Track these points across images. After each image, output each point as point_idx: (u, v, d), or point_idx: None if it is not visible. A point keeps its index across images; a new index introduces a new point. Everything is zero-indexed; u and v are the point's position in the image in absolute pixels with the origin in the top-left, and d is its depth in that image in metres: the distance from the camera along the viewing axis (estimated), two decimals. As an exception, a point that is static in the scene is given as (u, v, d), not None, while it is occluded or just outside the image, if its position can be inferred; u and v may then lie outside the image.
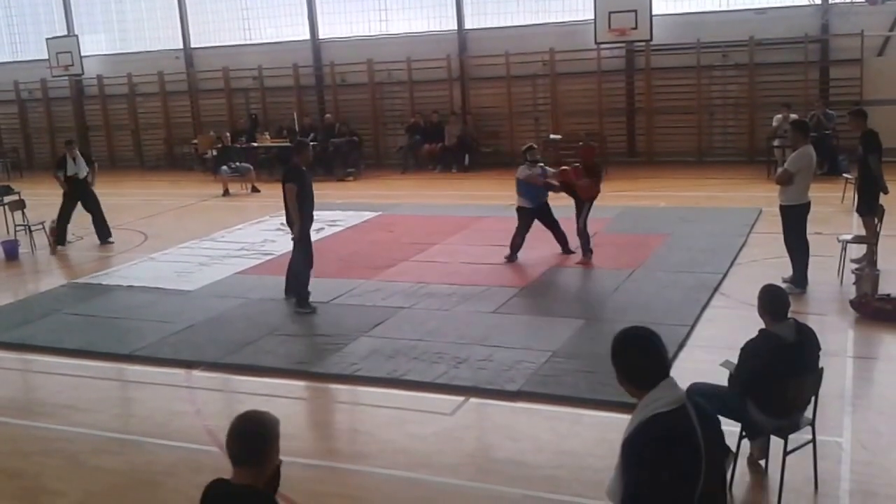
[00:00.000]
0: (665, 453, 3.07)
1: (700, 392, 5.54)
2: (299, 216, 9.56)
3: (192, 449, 6.51)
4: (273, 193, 14.78)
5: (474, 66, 22.18)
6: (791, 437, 5.31)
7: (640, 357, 3.30)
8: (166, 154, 25.94)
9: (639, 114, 21.08)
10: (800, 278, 9.55)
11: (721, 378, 5.64)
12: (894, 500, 5.41)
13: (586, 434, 6.44)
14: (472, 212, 15.34)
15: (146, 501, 5.97)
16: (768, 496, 5.50)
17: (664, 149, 20.77)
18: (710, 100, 20.40)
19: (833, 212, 13.20)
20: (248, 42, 24.37)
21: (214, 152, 21.29)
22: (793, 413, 5.38)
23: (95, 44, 26.06)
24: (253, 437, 3.26)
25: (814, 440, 5.42)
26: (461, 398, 7.24)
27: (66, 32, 25.98)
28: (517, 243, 11.64)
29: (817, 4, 19.18)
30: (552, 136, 19.52)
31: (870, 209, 10.20)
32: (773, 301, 5.39)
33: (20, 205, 14.82)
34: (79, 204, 14.52)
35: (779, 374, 5.16)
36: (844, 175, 14.85)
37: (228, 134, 21.58)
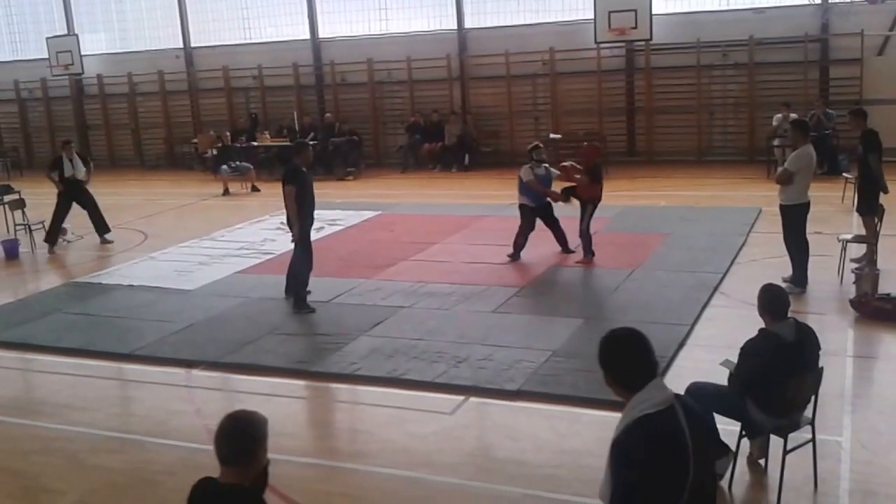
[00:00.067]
0: (653, 454, 3.07)
1: (700, 391, 5.57)
2: (298, 217, 9.56)
3: (191, 448, 6.51)
4: (273, 193, 14.78)
5: (474, 66, 22.18)
6: (791, 436, 5.32)
7: (628, 359, 3.30)
8: (166, 153, 25.94)
9: (639, 113, 21.08)
10: (800, 278, 9.56)
11: (721, 377, 5.65)
12: (894, 500, 5.41)
13: (586, 433, 6.45)
14: (471, 211, 15.34)
15: (146, 500, 5.97)
16: (768, 495, 5.50)
17: (664, 148, 20.77)
18: (710, 99, 20.40)
19: (833, 211, 13.20)
20: (248, 41, 24.37)
21: (214, 151, 21.28)
22: (792, 412, 5.38)
23: (95, 43, 26.06)
24: (241, 437, 3.27)
25: (813, 439, 5.43)
26: (461, 397, 7.24)
27: (66, 31, 25.98)
28: (520, 242, 11.65)
29: (817, 4, 19.18)
30: (552, 136, 19.52)
31: (870, 209, 10.20)
32: (772, 300, 5.39)
33: (20, 204, 14.82)
34: (74, 204, 14.46)
35: (779, 374, 5.17)
36: (844, 174, 14.85)
37: (228, 133, 21.57)
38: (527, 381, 7.39)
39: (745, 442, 5.61)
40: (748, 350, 5.41)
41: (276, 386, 7.80)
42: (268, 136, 22.43)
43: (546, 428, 6.65)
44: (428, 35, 22.30)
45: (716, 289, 9.85)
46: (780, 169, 10.77)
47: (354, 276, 11.11)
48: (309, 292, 9.99)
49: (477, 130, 22.01)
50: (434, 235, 13.38)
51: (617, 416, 3.39)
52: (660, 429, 3.12)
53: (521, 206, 11.65)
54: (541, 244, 11.82)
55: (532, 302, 9.95)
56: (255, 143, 22.22)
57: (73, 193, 14.35)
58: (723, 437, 5.53)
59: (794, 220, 9.50)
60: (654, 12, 19.46)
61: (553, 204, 11.66)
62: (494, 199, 16.02)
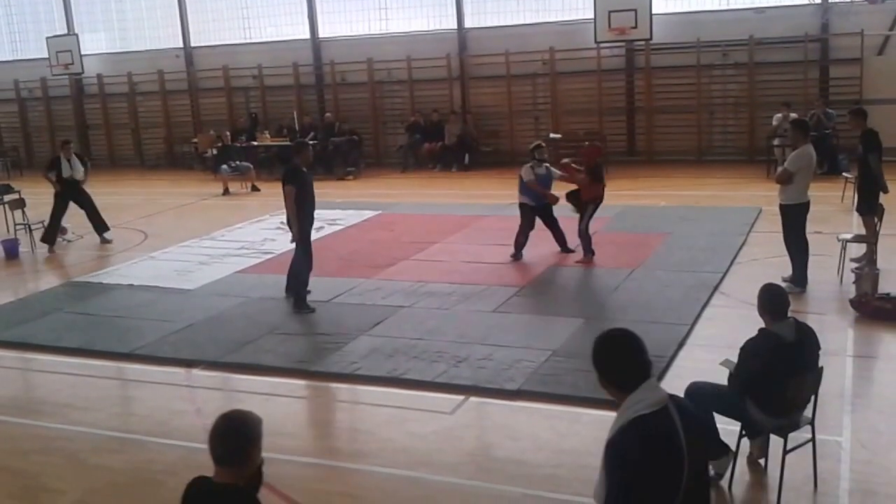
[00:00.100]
0: (647, 455, 3.07)
1: (700, 391, 5.57)
2: (297, 218, 9.55)
3: (192, 448, 6.50)
4: (273, 192, 14.78)
5: (474, 65, 22.18)
6: (791, 435, 5.32)
7: (622, 359, 3.29)
8: (166, 153, 25.94)
9: (639, 113, 21.08)
10: (799, 277, 9.56)
11: (721, 377, 5.65)
12: (894, 499, 5.42)
13: (586, 433, 6.45)
14: (471, 211, 15.34)
15: (146, 500, 5.98)
16: (768, 495, 5.51)
17: (664, 148, 20.78)
18: (709, 99, 20.40)
19: (833, 211, 13.20)
20: (248, 41, 24.37)
21: (214, 151, 21.28)
22: (792, 412, 5.38)
23: (95, 42, 26.06)
24: (235, 437, 3.27)
25: (813, 439, 5.43)
26: (461, 397, 7.25)
27: (66, 31, 25.98)
28: (521, 241, 11.66)
29: (817, 3, 19.18)
30: (552, 136, 19.48)
31: (870, 208, 10.20)
32: (772, 300, 5.39)
33: (20, 203, 14.81)
34: (71, 204, 14.43)
35: (778, 374, 5.17)
36: (844, 174, 14.85)
37: (228, 133, 21.57)
38: (527, 380, 7.40)
39: (745, 442, 5.62)
40: (748, 350, 5.41)
41: (276, 385, 7.81)
42: (268, 135, 22.43)
43: (546, 427, 6.65)
44: (428, 35, 22.30)
45: (716, 288, 9.86)
46: (780, 169, 10.77)
47: (354, 276, 11.11)
48: (309, 292, 9.99)
49: (477, 130, 22.01)
50: (434, 235, 13.39)
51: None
52: (654, 429, 3.12)
53: (522, 206, 11.66)
54: (541, 244, 11.82)
55: (532, 301, 9.96)
56: (255, 143, 22.22)
57: (70, 193, 14.32)
58: (723, 437, 5.55)
59: (794, 220, 9.50)
60: (654, 12, 19.46)
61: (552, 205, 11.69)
62: (494, 198, 16.02)
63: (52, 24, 26.57)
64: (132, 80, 25.61)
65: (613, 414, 3.33)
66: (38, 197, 15.53)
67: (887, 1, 18.57)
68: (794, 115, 14.07)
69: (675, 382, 6.77)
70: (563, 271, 11.15)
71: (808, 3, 19.23)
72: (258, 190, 19.34)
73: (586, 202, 11.31)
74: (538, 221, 11.68)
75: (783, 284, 8.05)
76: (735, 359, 5.51)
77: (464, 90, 22.33)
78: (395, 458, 6.28)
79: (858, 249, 10.49)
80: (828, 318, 8.69)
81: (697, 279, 10.19)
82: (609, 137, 20.44)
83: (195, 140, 24.12)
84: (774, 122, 17.75)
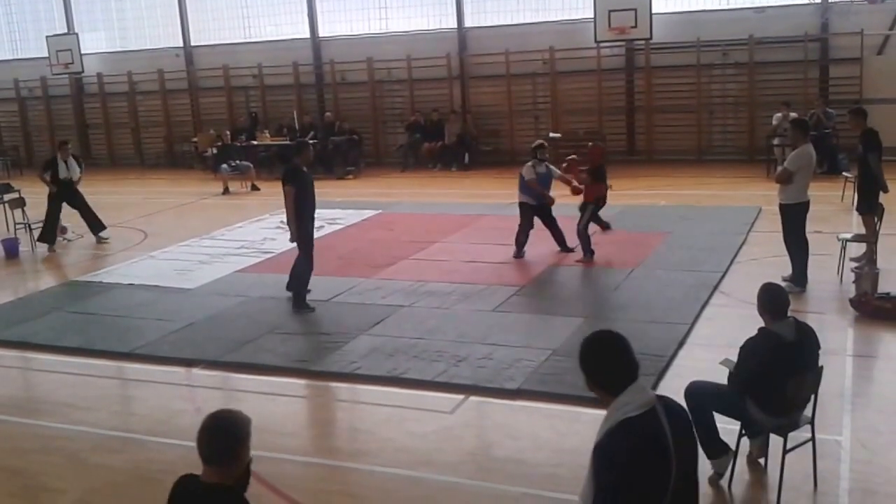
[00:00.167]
0: (634, 459, 3.07)
1: (700, 390, 5.58)
2: (296, 219, 9.54)
3: (192, 447, 6.35)
4: (273, 192, 14.79)
5: (474, 65, 22.18)
6: (790, 435, 5.32)
7: (609, 362, 3.28)
8: (166, 152, 25.94)
9: (638, 112, 21.08)
10: (799, 277, 9.56)
11: (721, 376, 5.65)
12: (893, 499, 5.42)
13: (586, 432, 6.44)
14: (471, 210, 15.34)
15: (146, 499, 5.97)
16: (768, 494, 5.51)
17: (664, 147, 20.78)
18: (709, 98, 20.41)
19: (833, 210, 13.21)
20: (248, 40, 24.38)
21: (214, 150, 21.27)
22: (792, 411, 5.38)
23: (95, 42, 26.06)
24: (224, 437, 3.26)
25: (813, 439, 5.43)
26: (461, 396, 7.25)
27: (66, 30, 25.99)
28: (521, 240, 11.67)
29: (817, 3, 19.19)
30: (552, 135, 19.51)
31: (869, 208, 10.20)
32: (772, 300, 5.39)
33: (20, 203, 14.80)
34: (64, 203, 14.41)
35: (778, 373, 5.17)
36: (844, 174, 14.86)
37: (228, 132, 21.57)
38: (527, 380, 7.40)
39: (745, 441, 5.62)
40: (748, 349, 5.41)
41: (276, 385, 7.81)
42: (268, 134, 22.43)
43: (546, 427, 6.65)
44: (428, 34, 22.31)
45: (716, 288, 9.86)
46: (779, 168, 10.77)
47: (354, 275, 11.11)
48: (309, 290, 9.99)
49: (477, 129, 22.02)
50: (434, 234, 13.39)
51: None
52: (642, 432, 3.11)
53: (521, 205, 11.67)
54: (540, 243, 11.82)
55: (532, 301, 9.96)
56: (255, 142, 22.22)
57: (64, 194, 14.29)
58: (722, 436, 5.55)
59: (794, 220, 9.50)
60: (653, 11, 19.48)
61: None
62: (494, 198, 16.02)
63: (52, 23, 26.57)
64: (132, 80, 25.61)
65: (613, 414, 3.32)
66: (38, 196, 15.50)
67: (887, 1, 18.57)
68: (793, 115, 14.07)
69: (675, 382, 6.78)
70: (563, 271, 11.15)
71: (807, 2, 19.24)
72: (258, 189, 19.34)
73: (587, 202, 11.33)
74: (537, 221, 11.68)
75: (783, 284, 8.07)
76: (735, 358, 5.51)
77: (464, 89, 22.33)
78: (394, 457, 6.28)
79: (858, 249, 10.49)
80: (828, 317, 8.70)
81: (697, 278, 10.20)
82: (609, 137, 20.45)
83: (195, 139, 24.12)
84: (774, 122, 17.76)
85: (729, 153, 20.18)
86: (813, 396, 5.48)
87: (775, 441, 5.47)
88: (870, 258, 10.05)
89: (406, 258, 12.00)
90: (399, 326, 9.03)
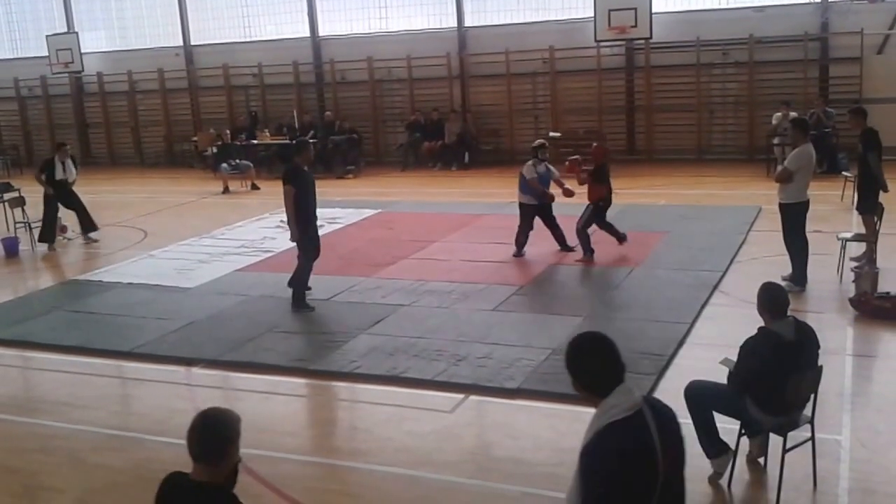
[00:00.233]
0: (621, 463, 3.06)
1: (699, 390, 5.58)
2: (296, 219, 9.52)
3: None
4: (273, 191, 14.79)
5: (474, 64, 22.17)
6: (790, 434, 5.32)
7: (596, 364, 3.27)
8: (166, 151, 25.94)
9: (638, 112, 21.08)
10: (799, 276, 9.56)
11: (721, 376, 5.65)
12: (893, 498, 5.42)
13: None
14: (471, 209, 15.34)
15: (146, 499, 5.91)
16: (767, 494, 5.51)
17: (664, 146, 20.78)
18: (709, 98, 20.40)
19: (833, 210, 13.21)
20: (248, 39, 24.37)
21: (214, 150, 21.25)
22: (792, 411, 5.38)
23: (95, 41, 26.05)
24: (213, 436, 3.28)
25: (813, 438, 5.43)
26: (461, 396, 7.25)
27: (66, 29, 25.98)
28: (521, 241, 11.66)
29: (817, 2, 19.18)
30: (552, 134, 19.51)
31: (869, 207, 10.20)
32: (772, 299, 5.39)
33: (20, 202, 14.80)
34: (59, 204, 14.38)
35: (778, 372, 5.17)
36: (844, 173, 14.85)
37: (228, 131, 21.55)
38: (526, 379, 7.40)
39: (745, 440, 5.62)
40: (748, 348, 5.41)
41: (276, 384, 7.80)
42: (267, 134, 22.42)
43: (546, 426, 6.65)
44: (428, 33, 22.30)
45: (715, 287, 9.86)
46: (779, 167, 10.78)
47: (354, 275, 11.11)
48: (309, 289, 10.00)
49: (477, 129, 22.02)
50: (434, 234, 13.38)
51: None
52: (629, 435, 3.10)
53: (522, 205, 11.66)
54: (540, 242, 11.82)
55: (532, 300, 9.96)
56: (255, 142, 22.22)
57: (59, 195, 14.25)
58: (722, 436, 5.55)
59: (794, 219, 9.50)
60: (653, 11, 19.48)
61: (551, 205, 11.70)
62: (494, 197, 16.02)
63: (52, 22, 26.56)
64: (132, 79, 25.61)
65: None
66: (38, 195, 15.47)
67: (887, 0, 18.56)
68: (793, 114, 14.06)
69: (675, 381, 6.79)
70: (563, 270, 11.14)
71: (807, 2, 19.23)
72: (258, 188, 19.33)
73: (589, 203, 11.32)
74: (537, 221, 11.67)
75: (783, 283, 8.07)
76: (735, 357, 5.51)
77: (464, 89, 22.32)
78: (394, 456, 6.28)
79: (858, 248, 10.49)
80: (827, 316, 8.69)
81: (697, 278, 10.20)
82: (609, 136, 20.42)
83: (195, 138, 24.10)
84: (774, 121, 17.76)
85: (729, 153, 20.18)
86: (812, 396, 5.48)
87: (775, 440, 5.47)
88: (869, 258, 10.05)
89: (406, 257, 12.00)
90: (399, 325, 9.03)
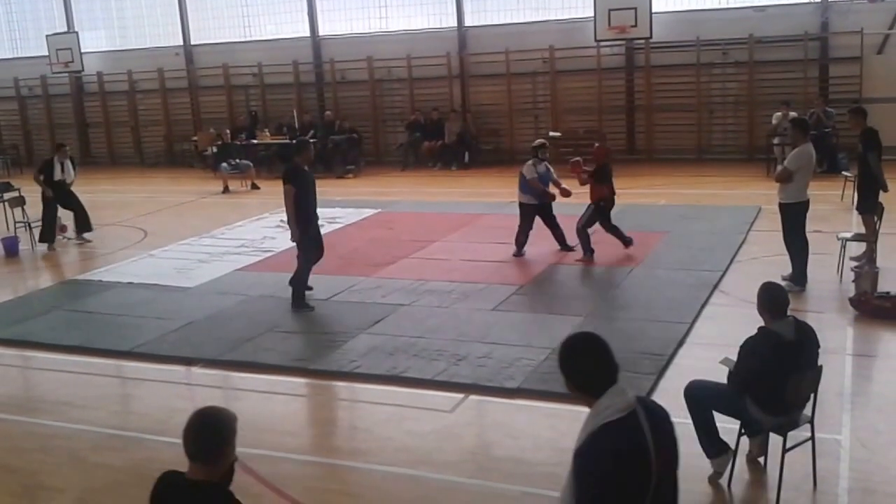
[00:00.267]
0: (615, 464, 3.06)
1: (700, 389, 5.58)
2: (296, 220, 9.52)
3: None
4: (273, 190, 14.79)
5: (474, 64, 22.17)
6: (790, 434, 5.32)
7: (589, 364, 3.27)
8: (166, 151, 25.94)
9: (638, 111, 21.08)
10: (799, 276, 9.56)
11: (720, 375, 5.64)
12: (893, 498, 5.42)
13: (585, 431, 6.44)
14: (471, 209, 15.33)
15: (145, 498, 5.94)
16: (767, 493, 5.51)
17: (664, 146, 20.78)
18: (709, 97, 20.40)
19: (832, 210, 13.21)
20: (248, 39, 24.37)
21: (214, 149, 21.25)
22: (792, 411, 5.38)
23: (95, 40, 26.05)
24: (210, 435, 3.28)
25: (812, 438, 5.43)
26: (461, 395, 7.25)
27: (66, 29, 25.98)
28: (521, 241, 11.66)
29: (817, 2, 19.18)
30: (552, 134, 19.49)
31: (869, 207, 10.20)
32: (772, 299, 5.39)
33: (20, 201, 14.80)
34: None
35: (778, 372, 5.17)
36: (844, 173, 14.85)
37: (228, 131, 21.55)
38: (526, 378, 7.40)
39: (745, 440, 5.61)
40: (748, 348, 5.41)
41: (276, 383, 7.80)
42: (267, 133, 22.42)
43: (546, 426, 6.65)
44: (428, 33, 22.30)
45: (715, 287, 9.86)
46: (779, 167, 10.77)
47: (354, 274, 11.11)
48: (310, 289, 10.00)
49: (477, 128, 22.02)
50: (434, 233, 13.38)
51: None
52: (622, 436, 3.10)
53: (522, 205, 11.65)
54: (540, 242, 11.82)
55: (532, 300, 9.95)
56: (255, 141, 22.22)
57: (58, 196, 14.23)
58: (722, 435, 5.55)
59: (794, 219, 9.50)
60: (653, 10, 19.48)
61: (551, 205, 11.69)
62: (494, 196, 16.02)
63: (52, 21, 26.56)
64: (132, 78, 25.61)
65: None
66: (38, 195, 15.50)
67: (887, 0, 18.56)
68: (793, 114, 14.07)
69: (675, 381, 6.79)
70: (563, 269, 11.14)
71: (807, 1, 19.24)
72: (258, 188, 19.33)
73: (592, 202, 11.31)
74: (537, 221, 11.66)
75: (783, 283, 8.08)
76: (735, 357, 5.51)
77: (464, 88, 22.32)
78: (394, 456, 6.28)
79: (858, 248, 10.49)
80: (827, 316, 8.69)
81: (697, 278, 10.20)
82: (609, 136, 20.36)
83: (195, 138, 24.10)
84: (774, 121, 17.76)
85: (729, 152, 20.18)
86: (812, 395, 5.48)
87: (775, 440, 5.47)
88: (869, 257, 10.05)
89: (406, 257, 12.00)
90: (399, 325, 9.03)
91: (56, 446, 6.77)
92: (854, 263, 9.97)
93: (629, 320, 8.87)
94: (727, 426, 5.53)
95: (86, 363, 8.60)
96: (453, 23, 22.15)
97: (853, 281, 9.19)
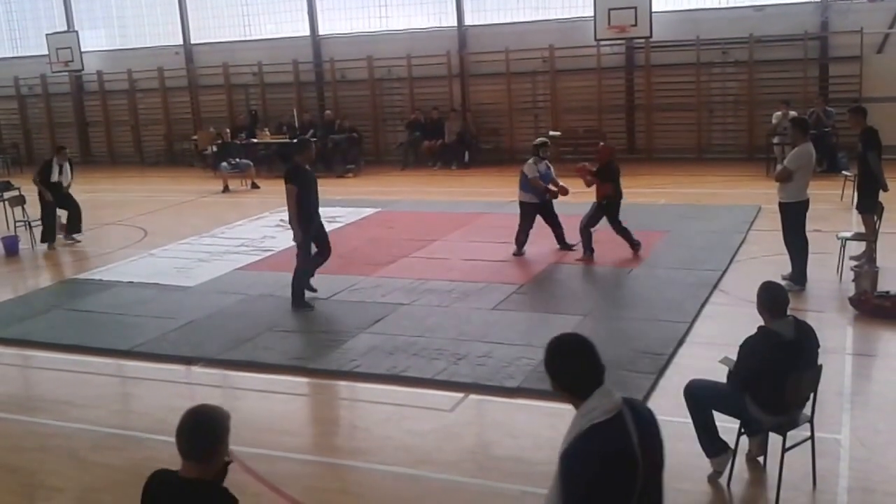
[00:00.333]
0: (601, 466, 3.06)
1: (699, 389, 5.58)
2: (298, 220, 9.52)
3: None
4: (273, 190, 14.79)
5: (474, 63, 22.16)
6: (790, 433, 5.32)
7: (575, 365, 3.26)
8: (166, 150, 25.94)
9: (638, 111, 21.08)
10: (799, 275, 9.56)
11: (720, 375, 5.65)
12: (892, 497, 5.42)
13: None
14: (471, 208, 15.33)
15: (145, 497, 5.97)
16: (767, 493, 5.51)
17: (664, 146, 20.77)
18: (709, 97, 20.40)
19: (832, 209, 13.20)
20: (248, 38, 24.36)
21: (214, 148, 21.26)
22: (791, 410, 5.38)
23: (95, 39, 26.06)
24: (203, 434, 3.28)
25: (812, 437, 5.43)
26: (461, 395, 7.25)
27: (66, 28, 25.98)
28: (521, 240, 11.66)
29: (817, 2, 19.18)
30: (552, 133, 19.51)
31: (869, 206, 10.19)
32: (772, 298, 5.39)
33: (20, 200, 14.81)
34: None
35: (778, 371, 5.17)
36: (844, 172, 14.85)
37: (228, 130, 21.56)
38: (526, 378, 7.39)
39: (745, 439, 5.61)
40: (747, 347, 5.41)
41: (275, 383, 7.80)
42: (267, 132, 22.42)
43: (545, 425, 6.64)
44: (428, 32, 22.30)
45: (715, 286, 9.86)
46: (779, 167, 10.77)
47: (354, 273, 11.11)
48: (315, 290, 10.01)
49: (477, 127, 22.02)
50: (434, 233, 13.38)
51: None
52: (608, 438, 3.10)
53: (523, 204, 11.64)
54: (541, 241, 11.82)
55: (532, 299, 9.95)
56: (255, 140, 22.21)
57: (55, 198, 14.22)
58: (722, 435, 5.56)
59: (794, 218, 9.50)
60: (653, 10, 19.47)
61: (553, 203, 11.69)
62: (494, 196, 16.02)
63: (52, 20, 26.55)
64: (132, 77, 25.60)
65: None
66: (37, 195, 15.50)
67: (886, -1, 18.59)
68: (793, 113, 14.07)
69: (675, 380, 6.79)
70: (563, 269, 11.14)
71: (807, 1, 19.23)
72: (258, 187, 19.33)
73: (597, 200, 11.29)
74: (538, 219, 11.66)
75: (783, 282, 8.07)
76: (734, 356, 5.51)
77: (464, 87, 22.32)
78: (394, 455, 6.28)
79: (858, 247, 10.49)
80: (827, 315, 8.70)
81: (697, 277, 10.20)
82: (609, 135, 20.41)
83: (195, 137, 24.11)
84: (774, 120, 17.76)
85: (729, 152, 20.17)
86: (812, 395, 5.48)
87: (774, 439, 5.47)
88: (869, 257, 10.04)
89: (406, 256, 12.00)
90: (399, 324, 9.03)
91: (56, 445, 6.77)
92: (854, 263, 9.98)
93: (629, 319, 8.87)
94: (727, 425, 5.53)
95: (85, 362, 8.60)
96: (453, 22, 22.15)
97: (853, 280, 9.19)
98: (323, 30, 23.57)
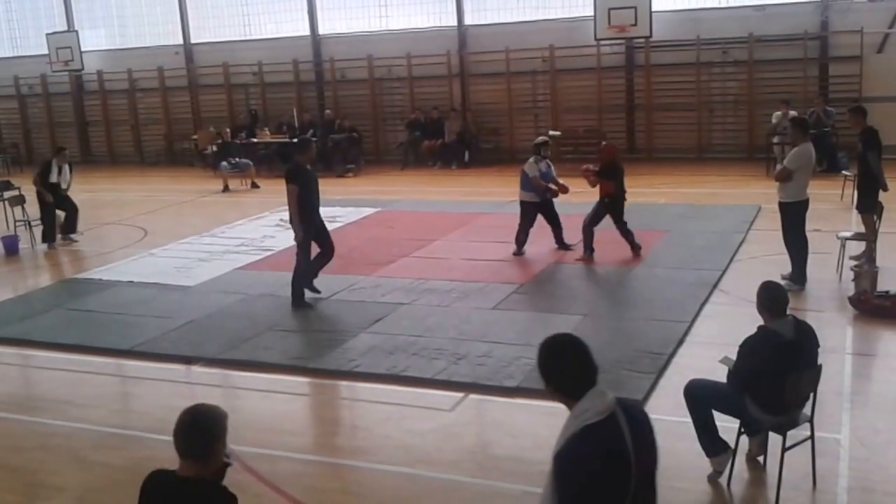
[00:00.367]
0: (594, 467, 3.06)
1: (699, 388, 5.59)
2: (299, 219, 9.52)
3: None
4: (273, 189, 14.79)
5: (474, 63, 22.17)
6: (789, 433, 5.32)
7: (567, 366, 3.26)
8: (166, 150, 25.93)
9: (638, 110, 21.07)
10: (799, 275, 9.56)
11: (720, 375, 5.65)
12: (892, 497, 5.43)
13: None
14: (471, 208, 15.33)
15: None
16: (767, 492, 5.51)
17: (664, 145, 20.77)
18: (709, 96, 20.40)
19: (832, 209, 13.20)
20: (248, 38, 24.36)
21: (214, 148, 21.27)
22: (791, 410, 5.39)
23: (95, 39, 26.05)
24: (201, 433, 3.28)
25: (812, 437, 5.43)
26: (460, 394, 7.25)
27: (66, 28, 25.97)
28: (521, 239, 11.66)
29: (817, 1, 19.17)
30: (552, 133, 19.49)
31: (869, 206, 10.20)
32: (771, 298, 5.39)
33: (20, 200, 14.81)
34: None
35: (777, 371, 5.17)
36: (844, 172, 14.84)
37: (228, 130, 21.56)
38: (526, 377, 7.39)
39: (744, 439, 5.62)
40: (747, 347, 5.41)
41: (276, 382, 7.80)
42: (267, 132, 22.42)
43: (545, 425, 6.62)
44: (428, 32, 22.30)
45: (715, 286, 9.86)
46: (779, 166, 10.77)
47: (354, 273, 11.11)
48: (318, 292, 10.01)
49: (477, 127, 22.02)
50: (434, 232, 13.38)
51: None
52: (602, 439, 3.10)
53: (523, 203, 11.64)
54: (541, 241, 11.83)
55: (532, 299, 9.96)
56: (255, 140, 22.21)
57: (55, 199, 14.22)
58: (722, 435, 5.56)
59: (794, 218, 9.50)
60: (653, 9, 19.46)
61: (553, 203, 11.69)
62: (494, 195, 16.02)
63: (51, 20, 26.55)
64: (132, 77, 25.60)
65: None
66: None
67: (886, -1, 18.59)
68: (793, 113, 14.08)
69: (675, 379, 6.79)
70: (563, 268, 11.15)
71: (807, 0, 19.22)
72: (258, 187, 19.33)
73: (601, 197, 11.27)
74: (539, 218, 11.66)
75: (782, 282, 8.07)
76: (734, 356, 5.51)
77: (464, 87, 22.32)
78: (394, 455, 6.28)
79: (858, 247, 10.49)
80: (827, 315, 8.70)
81: (697, 277, 10.20)
82: (609, 135, 20.41)
83: (195, 137, 24.12)
84: (774, 120, 17.76)
85: (729, 151, 20.17)
86: (812, 395, 5.48)
87: (774, 439, 5.47)
88: (869, 256, 10.04)
89: (406, 256, 12.00)
90: (398, 324, 9.03)
91: (56, 445, 6.77)
92: (854, 262, 9.98)
93: (629, 319, 8.88)
94: (727, 425, 5.54)
95: (86, 362, 8.60)
96: (453, 21, 22.14)
97: (853, 280, 9.20)
98: (323, 29, 23.56)
